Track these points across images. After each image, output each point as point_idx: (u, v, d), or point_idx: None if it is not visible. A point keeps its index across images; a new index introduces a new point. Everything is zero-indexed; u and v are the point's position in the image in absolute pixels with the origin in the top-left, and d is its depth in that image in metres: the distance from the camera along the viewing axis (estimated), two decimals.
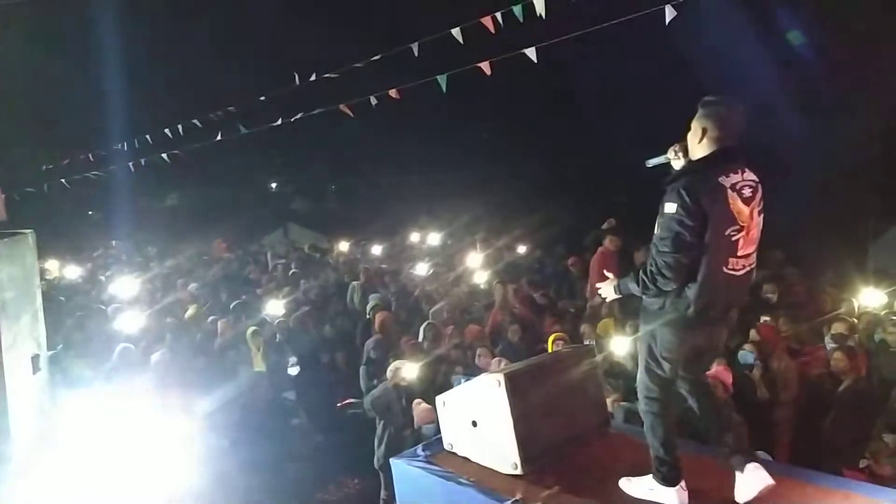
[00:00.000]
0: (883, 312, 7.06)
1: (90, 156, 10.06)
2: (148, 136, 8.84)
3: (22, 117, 14.56)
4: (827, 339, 6.21)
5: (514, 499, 3.05)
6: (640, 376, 3.08)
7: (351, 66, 6.26)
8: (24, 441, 3.39)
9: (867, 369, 5.68)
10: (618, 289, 3.08)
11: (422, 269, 10.96)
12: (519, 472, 3.25)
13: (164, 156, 8.89)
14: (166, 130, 8.57)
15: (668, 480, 3.00)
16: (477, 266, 10.44)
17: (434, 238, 14.48)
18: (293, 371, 7.12)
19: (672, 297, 2.85)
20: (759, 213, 2.88)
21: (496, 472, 3.33)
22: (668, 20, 4.60)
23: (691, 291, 2.80)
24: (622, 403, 5.12)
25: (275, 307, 8.55)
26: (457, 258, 11.86)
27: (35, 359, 3.60)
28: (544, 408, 3.43)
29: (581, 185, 18.15)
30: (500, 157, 21.24)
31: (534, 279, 10.27)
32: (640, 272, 2.89)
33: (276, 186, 31.17)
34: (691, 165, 2.91)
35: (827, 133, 12.71)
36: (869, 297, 7.19)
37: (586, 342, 6.27)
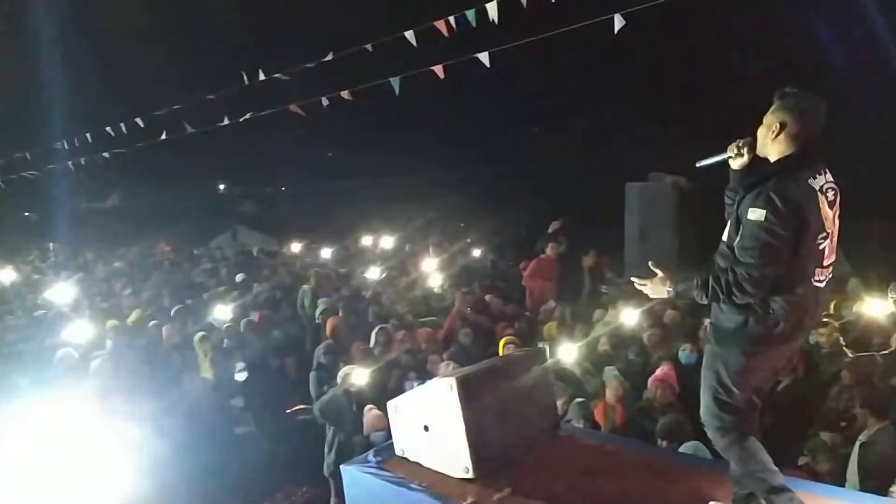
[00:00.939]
0: None
1: (27, 154, 9.67)
2: (88, 135, 8.54)
3: None
4: None
5: (465, 503, 3.05)
6: (709, 408, 2.65)
7: (302, 67, 6.18)
8: None
9: (804, 370, 5.89)
10: (673, 291, 2.67)
11: (374, 272, 10.89)
12: (471, 475, 3.24)
13: (105, 154, 8.60)
14: (108, 128, 8.28)
15: None
16: (430, 270, 10.44)
17: (387, 242, 14.42)
18: (240, 377, 6.97)
19: (756, 314, 2.49)
20: (839, 217, 2.60)
21: (448, 476, 3.31)
22: (616, 29, 4.70)
23: (778, 306, 2.47)
24: (578, 400, 5.18)
25: (223, 311, 8.36)
26: (410, 262, 11.83)
27: None
28: (496, 411, 3.42)
29: (533, 189, 18.38)
30: (454, 162, 21.35)
31: (486, 283, 10.33)
32: (711, 280, 2.51)
33: (225, 188, 30.63)
34: (777, 166, 2.53)
35: None
36: None
37: (541, 345, 6.33)
